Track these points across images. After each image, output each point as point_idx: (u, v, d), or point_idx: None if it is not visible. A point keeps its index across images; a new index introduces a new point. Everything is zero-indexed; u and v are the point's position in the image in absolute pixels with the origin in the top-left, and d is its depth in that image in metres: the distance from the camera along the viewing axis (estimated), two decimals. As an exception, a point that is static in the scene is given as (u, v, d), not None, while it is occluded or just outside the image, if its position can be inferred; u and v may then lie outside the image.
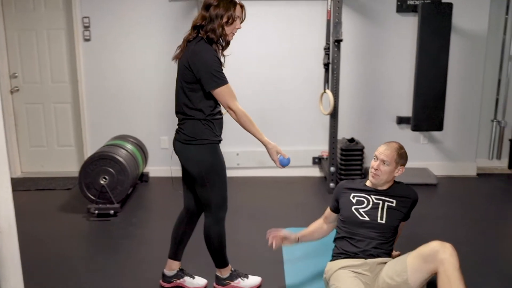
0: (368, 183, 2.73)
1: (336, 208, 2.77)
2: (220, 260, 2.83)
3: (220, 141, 2.68)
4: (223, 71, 2.54)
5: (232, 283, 2.86)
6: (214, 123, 2.61)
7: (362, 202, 2.64)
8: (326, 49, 4.35)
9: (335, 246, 2.67)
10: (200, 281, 2.91)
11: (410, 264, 2.36)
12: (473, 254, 2.79)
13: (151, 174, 5.03)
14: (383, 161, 2.66)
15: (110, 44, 4.86)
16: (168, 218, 3.12)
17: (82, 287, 2.94)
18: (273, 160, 2.64)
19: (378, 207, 2.62)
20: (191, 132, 2.59)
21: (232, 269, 2.90)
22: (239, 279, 2.86)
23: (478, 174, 5.18)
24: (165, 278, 2.93)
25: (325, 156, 4.95)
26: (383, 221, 2.58)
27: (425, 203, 4.34)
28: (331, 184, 4.49)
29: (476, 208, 4.21)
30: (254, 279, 2.90)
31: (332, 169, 4.48)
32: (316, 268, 3.06)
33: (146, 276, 3.06)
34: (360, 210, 2.62)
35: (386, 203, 2.63)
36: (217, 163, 2.64)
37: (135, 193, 4.63)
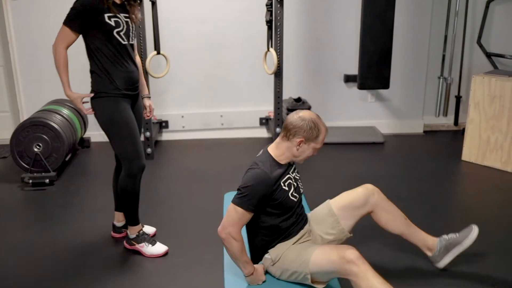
0: (281, 160, 2.39)
1: (259, 206, 2.28)
2: (131, 217, 2.83)
3: (124, 95, 2.64)
4: (76, 19, 2.53)
5: (137, 245, 2.83)
6: (113, 75, 2.60)
7: (290, 185, 2.39)
8: (269, 5, 4.18)
9: (263, 240, 2.41)
10: (160, 248, 2.84)
11: (340, 214, 2.44)
12: (413, 211, 2.80)
13: (93, 139, 4.83)
14: None
15: (39, 1, 4.55)
16: (109, 184, 3.00)
17: (15, 258, 2.83)
18: (78, 108, 2.66)
19: (297, 182, 2.45)
20: (93, 86, 2.64)
21: (141, 231, 2.85)
22: (144, 243, 2.82)
23: (425, 132, 5.22)
24: (115, 228, 3.03)
25: (272, 117, 4.86)
26: (302, 192, 2.49)
27: (370, 162, 4.35)
28: (277, 145, 4.41)
29: (421, 166, 4.24)
30: (159, 248, 2.83)
31: (278, 130, 4.40)
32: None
33: (82, 244, 2.95)
34: (292, 193, 2.39)
35: (295, 173, 2.47)
36: (118, 118, 2.62)
37: (75, 160, 4.45)
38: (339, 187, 3.30)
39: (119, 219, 3.02)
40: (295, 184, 2.41)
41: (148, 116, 2.96)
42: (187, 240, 2.99)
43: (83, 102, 2.64)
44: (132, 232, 2.83)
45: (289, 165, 2.39)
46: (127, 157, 2.67)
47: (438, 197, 3.58)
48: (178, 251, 2.85)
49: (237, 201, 2.23)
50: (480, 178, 3.96)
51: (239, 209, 2.22)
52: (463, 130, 4.47)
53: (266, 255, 2.40)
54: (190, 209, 3.43)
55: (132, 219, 2.82)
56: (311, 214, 2.57)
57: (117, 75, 2.61)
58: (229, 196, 3.56)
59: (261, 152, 2.41)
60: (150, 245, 2.81)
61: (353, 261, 2.07)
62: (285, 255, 2.35)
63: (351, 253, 2.10)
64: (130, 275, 2.63)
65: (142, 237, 2.83)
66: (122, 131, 2.63)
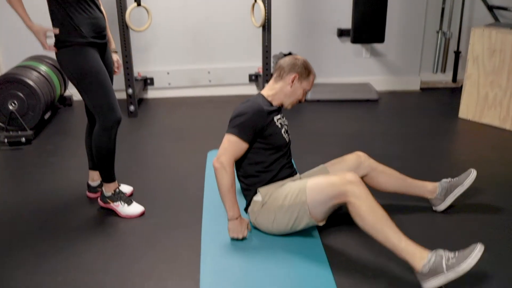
0: (273, 100, 2.41)
1: (253, 139, 2.30)
2: (106, 174, 2.67)
3: (91, 43, 2.45)
4: None
5: (112, 204, 2.69)
6: (77, 21, 2.39)
7: (282, 125, 2.40)
8: (256, -48, 3.92)
9: (252, 181, 2.37)
10: (136, 208, 2.68)
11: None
12: (408, 170, 2.66)
13: (75, 98, 4.64)
14: None
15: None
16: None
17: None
18: (40, 42, 2.43)
19: (286, 125, 2.47)
20: (56, 35, 2.43)
21: (117, 189, 2.70)
22: (120, 202, 2.67)
23: (421, 89, 5.02)
24: (90, 188, 2.89)
25: (261, 73, 4.65)
26: (289, 137, 2.48)
27: (364, 120, 4.17)
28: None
29: (416, 124, 4.06)
30: (135, 208, 2.68)
31: (267, 86, 4.20)
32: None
33: (56, 204, 2.81)
34: (284, 133, 2.40)
35: (284, 119, 2.48)
36: (87, 68, 2.44)
37: (56, 119, 4.27)
38: (331, 146, 3.16)
39: (93, 178, 2.87)
40: (286, 126, 2.44)
41: (116, 72, 2.76)
42: (165, 200, 2.84)
43: (47, 37, 2.43)
44: (108, 189, 2.68)
45: (279, 109, 2.43)
46: (101, 109, 2.49)
47: (433, 155, 3.41)
48: (156, 212, 2.71)
49: (231, 130, 2.28)
50: (477, 136, 3.79)
51: (233, 137, 2.26)
52: (462, 87, 4.26)
53: (255, 197, 2.34)
54: (171, 168, 3.28)
55: (108, 176, 2.67)
56: (302, 175, 2.50)
57: (82, 21, 2.39)
58: (213, 153, 3.42)
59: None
60: (126, 204, 2.67)
61: (354, 182, 2.09)
62: (277, 191, 2.31)
63: (352, 175, 2.13)
64: (104, 235, 2.49)
65: (118, 196, 2.68)
66: (93, 82, 2.44)
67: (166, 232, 2.51)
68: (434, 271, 1.89)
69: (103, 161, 2.62)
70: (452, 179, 2.61)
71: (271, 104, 2.38)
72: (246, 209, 2.44)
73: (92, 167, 2.85)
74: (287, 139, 2.41)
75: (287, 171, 2.42)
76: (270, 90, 2.41)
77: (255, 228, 2.42)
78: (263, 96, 2.40)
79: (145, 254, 2.33)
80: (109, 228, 2.57)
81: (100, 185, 2.84)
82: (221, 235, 2.43)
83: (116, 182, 2.71)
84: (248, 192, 2.39)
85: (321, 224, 2.28)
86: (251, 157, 2.35)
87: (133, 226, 2.59)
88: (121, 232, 2.53)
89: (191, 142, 3.71)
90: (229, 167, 2.25)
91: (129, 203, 2.68)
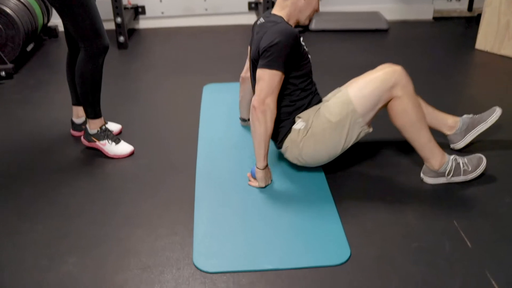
0: (289, 22, 2.14)
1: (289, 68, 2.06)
2: (90, 108, 2.40)
3: None
4: None
5: (98, 143, 2.45)
6: None
7: (304, 46, 2.16)
8: None
9: (286, 112, 2.13)
10: (125, 147, 2.45)
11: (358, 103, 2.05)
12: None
13: (61, 29, 4.30)
14: None
15: None
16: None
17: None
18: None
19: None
20: None
21: (104, 127, 2.45)
22: (107, 141, 2.43)
23: (434, 18, 4.66)
24: (75, 126, 2.66)
25: (262, 0, 4.28)
26: None
27: (373, 51, 3.85)
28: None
29: (428, 56, 3.74)
30: (124, 147, 2.45)
31: (268, 15, 3.85)
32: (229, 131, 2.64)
33: (39, 143, 2.58)
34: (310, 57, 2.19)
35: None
36: None
37: (40, 51, 3.95)
38: (336, 80, 2.90)
39: (78, 115, 2.62)
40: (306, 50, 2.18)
41: None
42: (157, 139, 2.61)
43: None
44: (93, 126, 2.43)
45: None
46: (87, 35, 2.21)
47: (448, 90, 3.14)
48: (147, 152, 2.48)
49: (270, 64, 1.98)
50: (495, 69, 3.49)
51: (275, 72, 1.98)
52: (478, 16, 3.92)
53: (295, 126, 2.10)
54: (164, 104, 3.02)
55: (92, 112, 2.41)
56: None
57: None
58: (209, 88, 3.16)
59: (262, 18, 2.16)
60: (113, 143, 2.43)
61: (400, 71, 2.00)
62: (318, 113, 2.08)
63: (395, 65, 2.03)
64: (90, 178, 2.28)
65: (105, 134, 2.43)
66: (78, 5, 2.13)
67: (158, 175, 2.29)
68: (447, 173, 2.11)
69: (87, 94, 2.35)
70: (475, 115, 2.38)
71: (291, 26, 2.10)
72: (280, 146, 2.19)
73: (76, 102, 2.59)
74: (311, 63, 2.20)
75: (317, 97, 2.20)
76: (282, 9, 2.11)
77: (294, 163, 2.22)
78: (281, 17, 2.10)
79: (135, 199, 2.12)
80: (96, 170, 2.34)
81: (85, 122, 2.60)
82: (217, 178, 2.21)
83: (102, 118, 2.46)
84: (283, 124, 2.13)
85: (371, 130, 2.09)
86: (284, 88, 2.10)
87: (122, 167, 2.36)
88: (109, 175, 2.31)
89: (186, 76, 3.42)
90: (276, 109, 2.02)
91: (117, 141, 2.44)
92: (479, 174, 2.14)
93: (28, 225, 1.97)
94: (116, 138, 2.46)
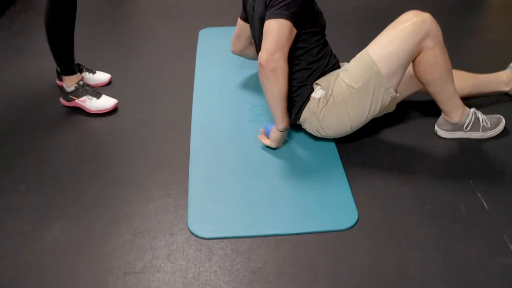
0: None
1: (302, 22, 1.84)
2: (63, 64, 2.20)
3: None
4: None
5: (77, 100, 2.23)
6: None
7: None
8: None
9: (302, 75, 1.91)
10: (107, 101, 2.24)
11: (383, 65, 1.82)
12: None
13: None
14: None
15: None
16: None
17: None
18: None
19: None
20: None
21: (81, 82, 2.24)
22: (87, 97, 2.22)
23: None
24: (60, 75, 2.38)
25: None
26: None
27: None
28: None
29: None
30: (106, 101, 2.23)
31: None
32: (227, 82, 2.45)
33: (21, 95, 2.40)
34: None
35: None
36: None
37: (24, -7, 3.69)
38: (338, 21, 2.67)
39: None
40: None
41: None
42: (149, 90, 2.42)
43: None
44: (69, 83, 2.22)
45: None
46: None
47: (460, 34, 2.91)
48: (137, 105, 2.31)
49: (279, 13, 1.75)
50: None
51: (285, 23, 1.74)
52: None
53: (314, 94, 1.88)
54: (156, 51, 2.81)
55: (66, 68, 2.20)
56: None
57: None
58: (205, 33, 2.94)
59: None
60: (94, 98, 2.22)
61: (432, 20, 1.79)
62: (338, 78, 1.86)
63: (424, 12, 1.80)
64: (77, 133, 2.13)
65: (83, 89, 2.22)
66: None
67: (150, 131, 2.12)
68: (466, 126, 1.95)
69: (58, 49, 2.14)
70: None
71: None
72: (297, 117, 1.95)
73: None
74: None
75: (334, 59, 1.99)
76: None
77: (313, 135, 1.99)
78: None
79: (125, 158, 1.97)
80: (83, 127, 2.18)
81: (74, 92, 2.38)
82: (214, 134, 2.05)
83: (79, 74, 2.26)
84: (300, 91, 1.91)
85: (398, 95, 1.88)
86: (297, 48, 1.87)
87: (110, 123, 2.19)
88: (97, 132, 2.15)
89: (180, 20, 3.18)
90: (287, 65, 1.78)
91: (97, 96, 2.23)
92: (497, 133, 1.99)
93: (10, 187, 1.83)
94: (96, 92, 2.25)
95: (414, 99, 2.24)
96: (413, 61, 1.84)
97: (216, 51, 2.72)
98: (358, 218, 1.63)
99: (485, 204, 1.68)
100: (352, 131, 1.93)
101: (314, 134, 1.96)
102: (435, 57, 1.80)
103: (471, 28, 3.01)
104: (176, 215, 1.68)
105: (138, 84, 2.47)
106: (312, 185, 1.77)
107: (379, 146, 1.99)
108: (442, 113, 1.99)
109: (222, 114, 2.18)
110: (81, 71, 2.40)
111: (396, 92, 1.85)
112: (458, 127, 1.97)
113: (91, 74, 2.42)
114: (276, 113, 1.85)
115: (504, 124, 2.00)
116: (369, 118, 1.88)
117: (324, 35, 1.96)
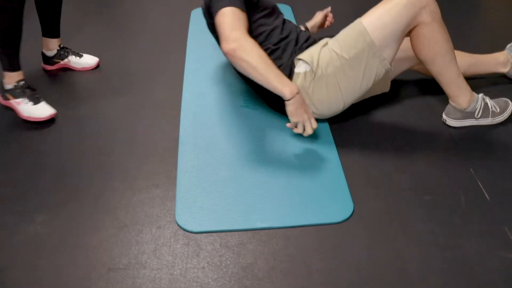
0: None
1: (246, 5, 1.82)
2: (3, 57, 1.96)
3: None
4: None
5: (12, 101, 2.02)
6: None
7: None
8: None
9: (277, 56, 1.85)
10: (44, 110, 2.00)
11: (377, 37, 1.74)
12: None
13: None
14: None
15: None
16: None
17: None
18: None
19: None
20: None
21: (22, 82, 2.02)
22: (23, 99, 1.99)
23: None
24: (46, 59, 2.34)
25: None
26: None
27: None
28: None
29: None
30: (43, 110, 1.99)
31: None
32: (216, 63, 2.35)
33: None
34: None
35: None
36: None
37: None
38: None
39: (48, 47, 2.31)
40: None
41: None
42: (137, 73, 2.33)
43: None
44: (8, 80, 2.00)
45: None
46: None
47: (459, 17, 2.81)
48: (124, 89, 2.22)
49: (220, 4, 1.73)
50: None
51: (227, 9, 1.71)
52: None
53: (297, 69, 1.79)
54: (146, 32, 2.71)
55: (7, 62, 1.97)
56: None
57: None
58: (198, 13, 2.83)
59: None
60: (30, 102, 1.99)
61: None
62: (324, 49, 1.78)
63: None
64: (60, 117, 2.03)
65: (22, 91, 2.00)
66: None
67: (137, 116, 2.04)
68: (477, 113, 1.87)
69: (1, 36, 1.90)
70: None
71: None
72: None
73: (45, 33, 2.28)
74: None
75: (305, 33, 1.93)
76: None
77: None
78: None
79: (110, 145, 1.89)
80: (68, 111, 2.09)
81: (58, 55, 2.31)
82: (205, 120, 1.97)
83: (22, 72, 2.03)
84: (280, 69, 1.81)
85: (392, 68, 1.81)
86: (258, 30, 1.84)
87: (97, 107, 2.10)
88: (82, 116, 2.06)
89: (171, 0, 3.08)
90: (249, 37, 1.69)
91: (35, 101, 2.00)
92: (506, 117, 1.93)
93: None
94: (36, 97, 2.01)
95: (412, 82, 2.16)
96: (411, 36, 1.77)
97: (209, 32, 2.61)
98: (353, 210, 1.56)
99: (486, 195, 1.61)
100: (345, 107, 1.85)
101: None
102: (433, 32, 1.73)
103: (469, 8, 2.90)
104: (163, 207, 1.60)
105: (127, 67, 2.38)
106: (306, 174, 1.69)
107: (376, 133, 1.91)
108: (449, 100, 1.90)
109: (213, 99, 2.09)
110: (67, 54, 2.32)
111: (391, 65, 1.78)
112: (468, 114, 1.88)
113: (77, 58, 2.33)
114: (273, 84, 1.67)
115: (511, 107, 1.92)
116: (362, 92, 1.80)
117: (280, 14, 1.93)
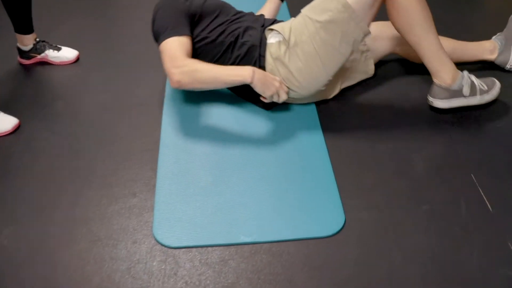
0: None
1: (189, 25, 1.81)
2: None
3: None
4: None
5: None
6: None
7: None
8: None
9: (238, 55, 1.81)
10: (4, 123, 1.84)
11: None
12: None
13: None
14: None
15: None
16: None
17: None
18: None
19: None
20: None
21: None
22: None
23: None
24: (22, 53, 2.21)
25: None
26: None
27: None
28: None
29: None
30: (7, 122, 1.82)
31: None
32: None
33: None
34: None
35: None
36: None
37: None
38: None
39: (23, 42, 2.17)
40: None
41: None
42: (118, 67, 2.20)
43: None
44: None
45: None
46: None
47: (462, 3, 2.67)
48: (104, 85, 2.09)
49: (163, 38, 1.71)
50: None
51: (164, 44, 1.70)
52: None
53: (269, 40, 1.75)
54: (128, 23, 2.56)
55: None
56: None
57: None
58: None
59: None
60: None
61: None
62: (297, 19, 1.74)
63: None
64: (33, 118, 1.90)
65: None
66: None
67: (116, 115, 1.91)
68: (465, 91, 1.76)
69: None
70: (501, 32, 2.04)
71: None
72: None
73: (18, 30, 2.13)
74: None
75: (260, 16, 1.90)
76: None
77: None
78: None
79: (85, 148, 1.76)
80: (36, 109, 1.96)
81: (35, 49, 2.18)
82: (188, 119, 1.84)
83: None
84: (243, 49, 1.78)
85: (370, 34, 1.71)
86: (210, 34, 1.82)
87: (72, 106, 1.98)
88: (56, 116, 1.93)
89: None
90: (187, 61, 1.67)
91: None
92: (495, 96, 1.81)
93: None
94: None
95: (407, 75, 2.03)
96: (387, 2, 1.66)
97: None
98: (344, 222, 1.44)
99: (488, 205, 1.49)
100: (328, 77, 1.72)
101: (289, 100, 1.82)
102: (413, 3, 1.63)
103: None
104: (140, 218, 1.49)
105: (108, 62, 2.24)
106: (294, 182, 1.57)
107: (370, 135, 1.78)
108: (433, 79, 1.79)
109: (196, 98, 1.96)
110: (44, 48, 2.18)
111: (368, 31, 1.68)
112: (455, 93, 1.77)
113: (55, 52, 2.20)
114: (230, 80, 1.66)
115: (499, 86, 1.81)
116: (343, 58, 1.69)
117: (231, 9, 1.90)
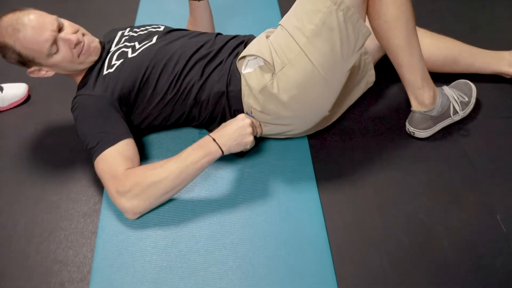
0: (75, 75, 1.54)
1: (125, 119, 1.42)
2: None
3: None
4: None
5: None
6: None
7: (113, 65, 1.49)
8: None
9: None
10: (15, 90, 1.76)
11: None
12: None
13: None
14: None
15: None
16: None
17: None
18: None
19: (132, 41, 1.55)
20: None
21: None
22: None
23: None
24: None
25: None
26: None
27: None
28: None
29: None
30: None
31: None
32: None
33: None
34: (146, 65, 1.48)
35: (121, 44, 1.57)
36: None
37: None
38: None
39: None
40: (131, 47, 1.46)
41: None
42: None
43: None
44: None
45: (98, 60, 1.45)
46: None
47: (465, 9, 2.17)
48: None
49: (97, 152, 1.31)
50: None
51: (104, 155, 1.30)
52: None
53: (243, 70, 1.38)
54: (92, 19, 2.22)
55: None
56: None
57: None
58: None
59: None
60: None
61: None
62: (278, 34, 1.36)
63: None
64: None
65: None
66: None
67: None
68: (452, 111, 1.51)
69: None
70: None
71: (83, 84, 1.43)
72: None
73: None
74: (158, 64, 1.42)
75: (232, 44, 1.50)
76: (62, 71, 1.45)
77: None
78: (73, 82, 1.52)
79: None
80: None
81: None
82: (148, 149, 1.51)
83: None
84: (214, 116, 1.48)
85: (371, 33, 1.34)
86: (158, 114, 1.48)
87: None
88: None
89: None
90: (134, 176, 1.28)
91: None
92: (474, 103, 1.57)
93: None
94: None
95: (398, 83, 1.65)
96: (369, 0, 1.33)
97: (159, 19, 2.13)
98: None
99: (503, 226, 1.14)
100: (334, 95, 1.37)
101: (279, 133, 1.47)
102: (398, 4, 1.30)
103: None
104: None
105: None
106: (280, 247, 1.26)
107: (367, 197, 1.43)
108: (412, 102, 1.48)
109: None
110: None
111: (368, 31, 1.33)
112: (439, 118, 1.49)
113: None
114: (199, 164, 1.30)
115: (475, 88, 1.57)
116: (347, 66, 1.32)
117: (170, 66, 1.43)
